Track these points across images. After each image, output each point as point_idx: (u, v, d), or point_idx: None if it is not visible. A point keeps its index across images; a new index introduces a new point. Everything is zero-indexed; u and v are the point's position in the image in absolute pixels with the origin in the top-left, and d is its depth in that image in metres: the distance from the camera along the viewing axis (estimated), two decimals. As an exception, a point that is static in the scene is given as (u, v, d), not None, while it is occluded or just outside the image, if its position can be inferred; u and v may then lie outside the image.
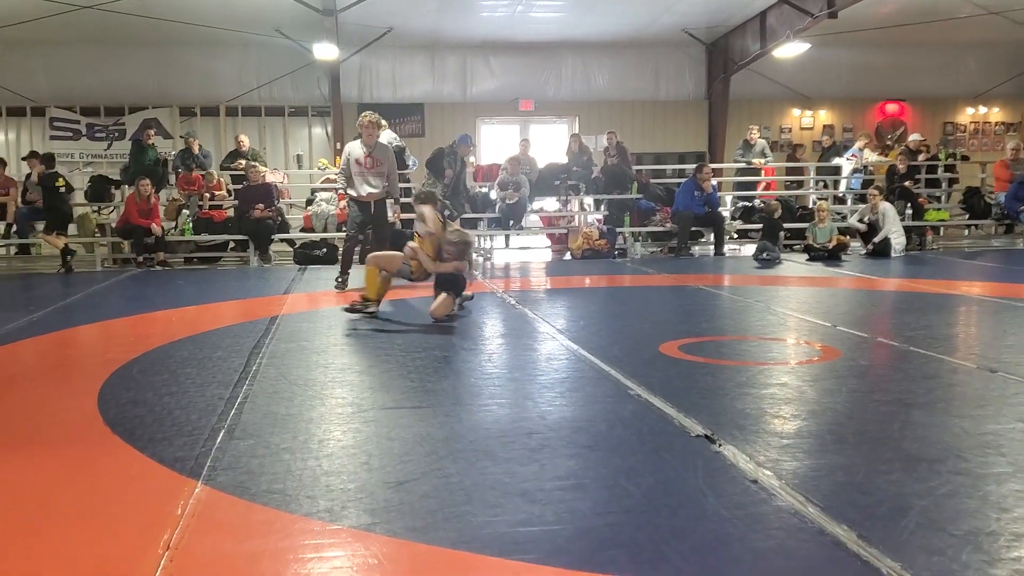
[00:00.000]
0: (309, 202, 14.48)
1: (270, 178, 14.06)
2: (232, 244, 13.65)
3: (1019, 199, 14.00)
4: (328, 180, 15.54)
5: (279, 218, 13.34)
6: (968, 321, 7.80)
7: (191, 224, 13.40)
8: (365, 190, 9.47)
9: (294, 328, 7.30)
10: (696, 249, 13.91)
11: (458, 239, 7.59)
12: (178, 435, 4.21)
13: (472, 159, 14.25)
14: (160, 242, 12.61)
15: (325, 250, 13.08)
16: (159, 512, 3.22)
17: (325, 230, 13.56)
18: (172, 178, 14.24)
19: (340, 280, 9.58)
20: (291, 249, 13.62)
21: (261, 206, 12.92)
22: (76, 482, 3.68)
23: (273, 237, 13.21)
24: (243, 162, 14.62)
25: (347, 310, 7.61)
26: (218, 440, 4.10)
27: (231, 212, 13.56)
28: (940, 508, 3.18)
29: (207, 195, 13.73)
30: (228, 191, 14.31)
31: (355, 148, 9.51)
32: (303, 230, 13.83)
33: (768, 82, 19.46)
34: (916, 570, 2.66)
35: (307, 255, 12.99)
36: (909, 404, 4.64)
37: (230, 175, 14.72)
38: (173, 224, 13.49)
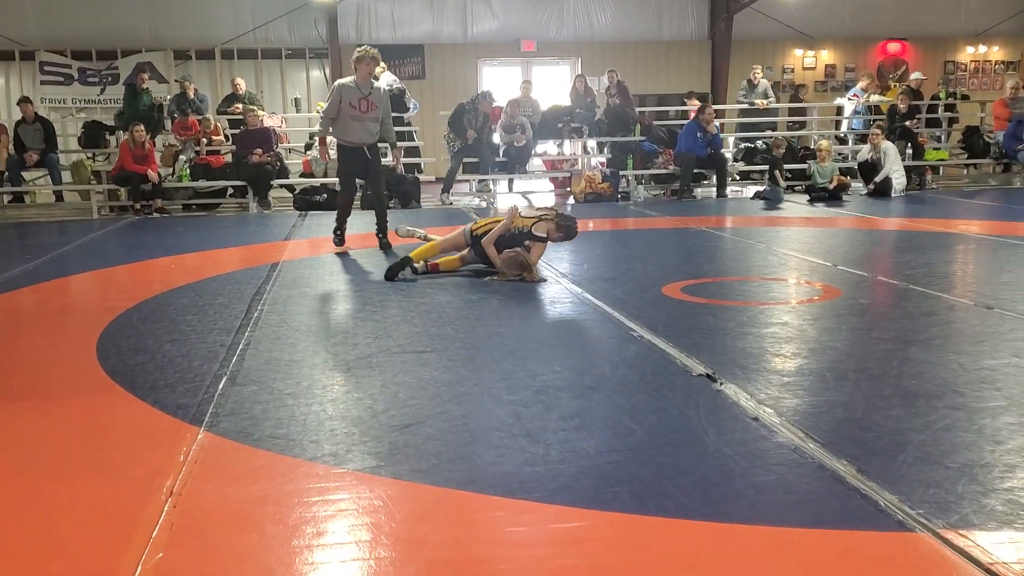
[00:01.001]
0: (308, 147, 14.37)
1: (268, 122, 13.92)
2: (230, 190, 13.58)
3: (1017, 138, 13.91)
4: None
5: (278, 163, 13.25)
6: (966, 259, 7.81)
7: (188, 170, 13.31)
8: (360, 137, 8.41)
9: (296, 274, 7.31)
10: (699, 191, 13.85)
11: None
12: (180, 382, 4.24)
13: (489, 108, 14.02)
14: (157, 189, 12.53)
15: (325, 196, 13.00)
16: (162, 459, 3.26)
17: (325, 175, 13.45)
18: (168, 123, 14.10)
19: (338, 235, 8.64)
20: (290, 195, 13.55)
21: (259, 151, 12.82)
22: (78, 431, 3.71)
23: (272, 183, 13.14)
24: (240, 106, 14.47)
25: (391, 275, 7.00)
26: (220, 387, 4.13)
27: (229, 158, 13.46)
28: (937, 442, 3.22)
29: (204, 140, 13.62)
30: (225, 136, 14.18)
31: (348, 89, 8.30)
32: (302, 175, 13.74)
33: (770, 21, 19.24)
34: (913, 502, 2.71)
35: (307, 201, 12.92)
36: (908, 341, 4.67)
37: (227, 120, 14.59)
38: (170, 170, 13.40)
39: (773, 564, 2.43)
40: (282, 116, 15.87)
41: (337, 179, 11.98)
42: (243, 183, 13.06)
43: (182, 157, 13.44)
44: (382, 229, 8.71)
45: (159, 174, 12.65)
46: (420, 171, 14.30)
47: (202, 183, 13.27)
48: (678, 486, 2.91)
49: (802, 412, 3.60)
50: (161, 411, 3.83)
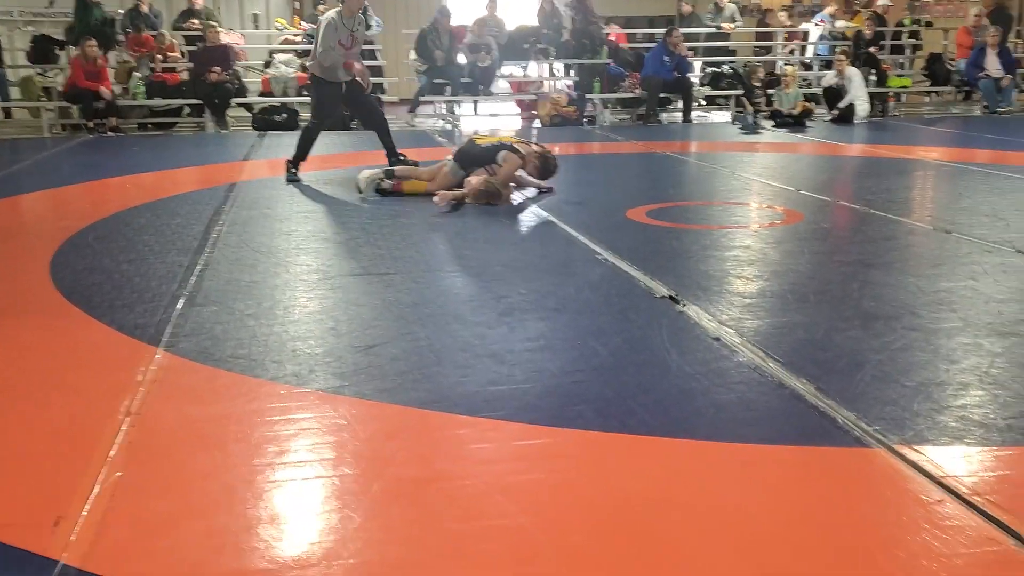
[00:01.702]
0: (267, 64, 14.05)
1: (226, 39, 13.56)
2: (187, 109, 13.27)
3: (978, 66, 13.93)
4: (287, 41, 15.06)
5: (236, 82, 12.95)
6: (925, 185, 7.88)
7: (143, 88, 12.96)
8: (345, 76, 7.96)
9: (255, 195, 7.20)
10: (665, 116, 13.77)
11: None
12: (137, 302, 4.18)
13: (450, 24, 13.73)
14: (111, 107, 12.19)
15: (285, 115, 12.77)
16: (119, 379, 3.22)
17: (285, 94, 13.22)
18: (121, 39, 13.68)
19: (293, 171, 7.92)
20: (249, 114, 13.29)
21: (218, 69, 12.51)
22: (32, 351, 3.64)
23: (230, 102, 12.85)
24: (197, 22, 14.07)
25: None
26: (179, 307, 4.08)
27: (185, 75, 13.12)
28: (894, 362, 3.27)
29: (159, 57, 13.25)
30: (182, 53, 13.80)
31: (339, 27, 7.73)
32: (261, 94, 13.46)
33: (738, -58, 18.95)
34: (870, 419, 2.76)
35: (266, 120, 12.67)
36: (868, 264, 4.72)
37: (183, 36, 14.19)
38: (124, 88, 13.04)
39: (733, 479, 2.46)
40: (240, 33, 15.46)
41: (296, 99, 11.68)
42: (200, 102, 12.76)
43: (137, 74, 13.06)
44: (391, 151, 8.27)
45: (112, 91, 12.30)
46: (383, 92, 14.05)
47: (158, 101, 12.93)
48: (641, 404, 2.93)
49: (763, 333, 3.64)
50: (118, 331, 3.77)
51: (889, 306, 3.97)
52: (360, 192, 7.03)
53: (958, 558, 2.03)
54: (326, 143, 9.66)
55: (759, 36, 17.02)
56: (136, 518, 2.27)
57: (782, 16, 16.44)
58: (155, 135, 12.54)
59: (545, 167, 6.79)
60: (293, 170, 7.94)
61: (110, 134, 12.07)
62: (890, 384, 3.05)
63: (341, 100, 8.22)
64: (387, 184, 7.02)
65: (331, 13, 7.90)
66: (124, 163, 9.37)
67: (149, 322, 3.86)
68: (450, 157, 7.06)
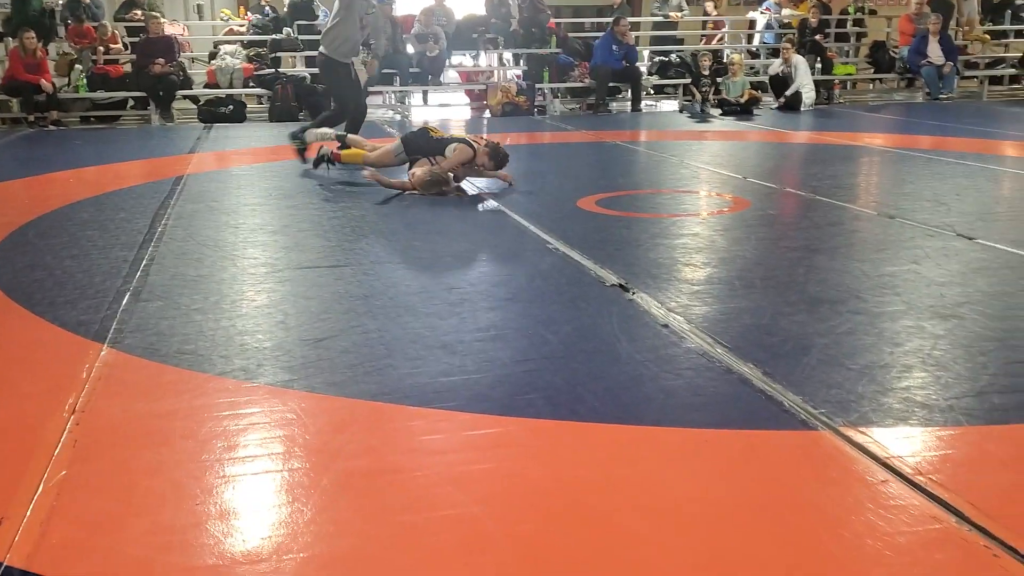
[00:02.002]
0: (212, 56, 13.85)
1: (170, 30, 13.34)
2: (131, 102, 13.05)
3: (920, 53, 14.18)
4: (232, 32, 14.86)
5: (181, 74, 12.75)
6: (870, 171, 8.00)
7: (85, 80, 12.71)
8: (354, 53, 7.92)
9: (201, 188, 7.10)
10: (614, 105, 13.83)
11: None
12: (81, 298, 4.10)
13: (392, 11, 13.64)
14: (52, 100, 11.94)
15: (232, 107, 12.61)
16: (63, 376, 3.16)
17: (231, 86, 13.04)
18: (61, 30, 13.39)
19: (329, 156, 7.42)
20: (195, 106, 13.10)
21: (161, 61, 12.30)
22: (-27, 348, 3.56)
23: (175, 94, 12.65)
24: (140, 12, 13.82)
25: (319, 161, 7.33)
26: (124, 302, 4.02)
27: (128, 67, 12.89)
28: (839, 345, 3.33)
29: (101, 49, 12.99)
30: (124, 45, 13.55)
31: (360, 5, 7.67)
32: (207, 86, 13.27)
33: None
34: (816, 402, 2.80)
35: (212, 112, 12.50)
36: (814, 250, 4.79)
37: (125, 27, 13.92)
38: (65, 80, 12.77)
39: (683, 463, 2.49)
40: (184, 24, 15.22)
41: (242, 90, 11.41)
42: (144, 94, 12.55)
43: (78, 67, 12.80)
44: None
45: (53, 84, 12.04)
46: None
47: (100, 94, 12.70)
48: (591, 391, 2.95)
49: (711, 319, 3.67)
50: (62, 328, 3.71)
51: (834, 290, 4.03)
52: (299, 143, 7.35)
53: (901, 536, 2.07)
54: (275, 135, 9.56)
55: (706, 25, 17.13)
56: (81, 517, 2.23)
57: (709, 6, 16.57)
58: (98, 128, 12.31)
59: (495, 156, 6.78)
60: (328, 155, 7.48)
61: (51, 128, 11.81)
62: (835, 367, 3.10)
63: (355, 79, 7.95)
64: (326, 151, 7.23)
65: None
66: (66, 157, 9.20)
67: (93, 318, 3.80)
68: (398, 137, 7.07)
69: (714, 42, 16.45)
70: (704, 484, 2.36)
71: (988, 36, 16.24)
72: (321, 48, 7.99)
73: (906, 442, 2.56)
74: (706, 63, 13.32)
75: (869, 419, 2.69)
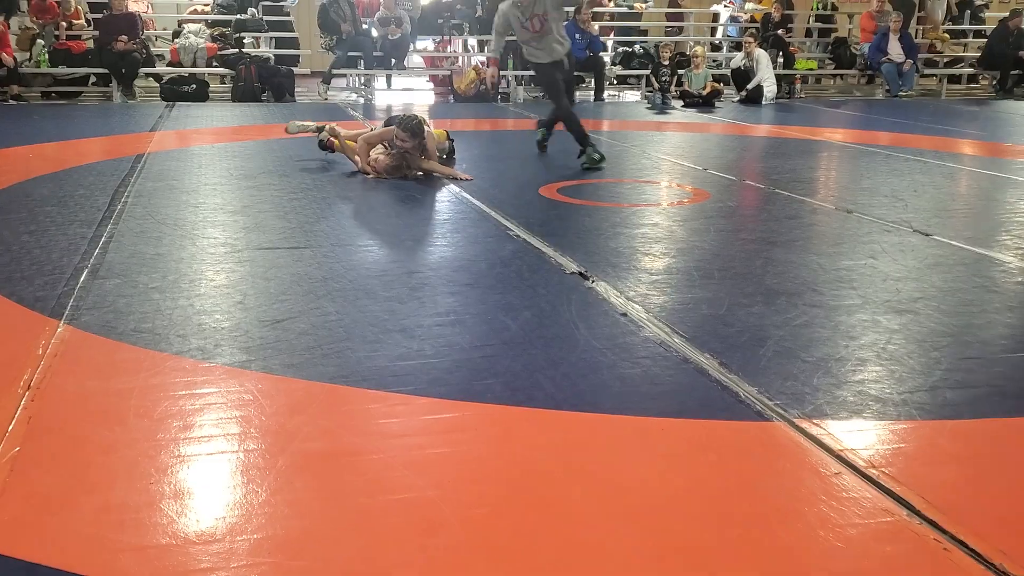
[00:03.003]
0: (176, 34, 13.66)
1: (133, 7, 13.14)
2: (93, 78, 12.85)
3: (881, 50, 14.36)
4: (196, 11, 14.67)
5: (144, 51, 12.57)
6: (829, 166, 8.10)
7: (47, 56, 12.49)
8: (562, 52, 7.49)
9: (162, 167, 7.01)
10: (577, 94, 13.82)
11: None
12: (38, 275, 4.05)
13: None
14: (13, 74, 11.73)
15: (194, 86, 12.46)
16: (18, 352, 3.13)
17: (194, 64, 12.88)
18: (24, 5, 13.14)
19: (592, 151, 7.38)
20: (157, 84, 12.92)
21: (124, 38, 12.12)
22: (-73, 322, 3.50)
23: (138, 71, 12.47)
24: (103, -12, 13.60)
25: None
26: (81, 279, 3.97)
27: (91, 44, 12.68)
28: (796, 337, 3.37)
29: (64, 24, 12.77)
30: (87, 20, 13.34)
31: (514, 15, 7.25)
32: (170, 64, 13.10)
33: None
34: (771, 393, 2.84)
35: (175, 91, 12.35)
36: (772, 243, 4.84)
37: (88, 3, 13.70)
38: (27, 55, 12.55)
39: (637, 451, 2.52)
40: (148, 1, 14.99)
41: (205, 69, 11.23)
42: (106, 71, 12.37)
43: (40, 42, 12.57)
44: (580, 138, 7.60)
45: (15, 59, 11.83)
46: (297, 63, 13.81)
47: (62, 70, 12.50)
48: (548, 378, 2.97)
49: (669, 308, 3.71)
50: (18, 304, 3.66)
51: (791, 283, 4.08)
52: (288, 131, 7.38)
53: (853, 528, 2.11)
54: (237, 114, 9.44)
55: (669, 17, 17.18)
56: (33, 494, 2.21)
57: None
58: (59, 104, 12.12)
59: (406, 126, 6.47)
60: (591, 151, 7.37)
61: (12, 102, 11.62)
62: (791, 359, 3.15)
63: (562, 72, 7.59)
64: (323, 136, 7.15)
65: (503, 6, 7.36)
66: (26, 132, 9.04)
67: (50, 295, 3.75)
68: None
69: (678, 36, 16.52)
70: (659, 472, 2.39)
71: (947, 36, 16.48)
72: (537, 59, 7.56)
73: (860, 435, 2.60)
74: (667, 54, 13.37)
75: (824, 411, 2.73)
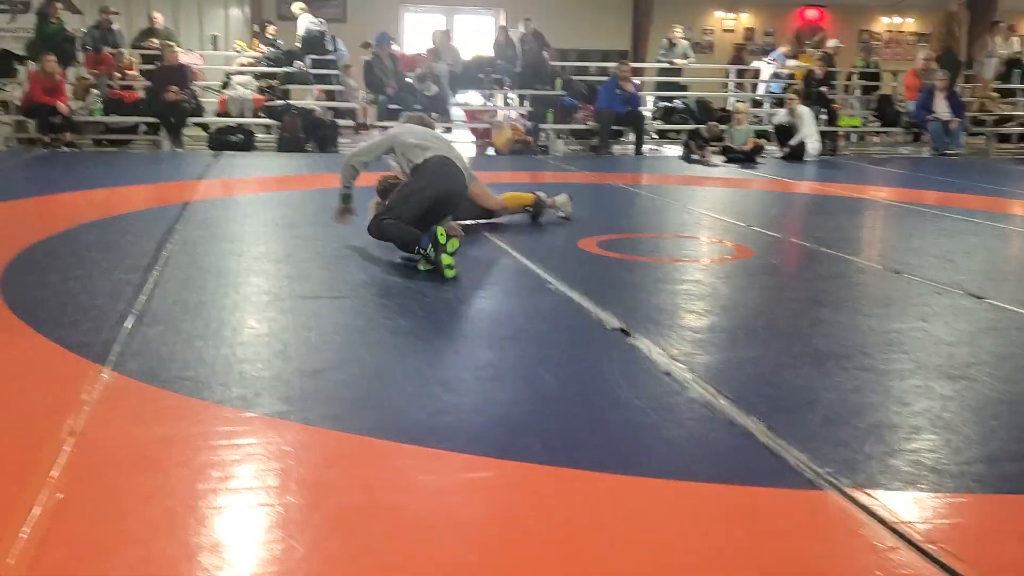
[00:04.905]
0: (225, 85, 13.96)
1: (184, 59, 13.47)
2: (143, 127, 13.13)
3: (927, 108, 14.28)
4: (244, 64, 14.98)
5: (193, 101, 12.84)
6: (875, 224, 8.01)
7: (100, 104, 12.81)
8: None
9: (207, 215, 7.10)
10: (617, 148, 13.90)
11: None
12: (84, 320, 4.08)
13: (396, 48, 13.84)
14: (67, 122, 12.04)
15: (241, 136, 12.69)
16: (62, 397, 3.13)
17: (241, 115, 13.14)
18: (80, 56, 13.53)
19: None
20: (205, 134, 13.18)
21: (175, 88, 12.39)
22: (-24, 365, 3.54)
23: (187, 121, 12.74)
24: (156, 41, 13.96)
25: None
26: (126, 326, 3.99)
27: (143, 93, 12.99)
28: (846, 402, 3.28)
29: (117, 75, 13.11)
30: (140, 72, 13.68)
31: None
32: (218, 114, 13.37)
33: (692, -19, 19.34)
34: (822, 460, 2.75)
35: (222, 140, 12.59)
36: (818, 302, 4.76)
37: (141, 55, 14.07)
38: (81, 104, 12.88)
39: (682, 517, 2.45)
40: (200, 53, 15.37)
41: (252, 120, 11.49)
42: (156, 120, 12.63)
43: (95, 91, 12.92)
44: None
45: (69, 107, 12.15)
46: (341, 116, 14.03)
47: (114, 118, 12.80)
48: (589, 438, 2.91)
49: (713, 368, 3.64)
50: (64, 348, 3.68)
51: (840, 345, 3.99)
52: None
53: (909, 605, 2.02)
54: (282, 164, 9.56)
55: (711, 73, 17.27)
56: (75, 543, 2.20)
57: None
58: (110, 152, 12.37)
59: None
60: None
61: (65, 149, 11.90)
62: (842, 425, 3.05)
63: None
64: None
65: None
66: (78, 179, 9.23)
67: (95, 340, 3.77)
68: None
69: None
70: (704, 540, 2.32)
71: (996, 94, 16.35)
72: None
73: (916, 507, 2.50)
74: (714, 127, 13.34)
75: (877, 481, 2.63)
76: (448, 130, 13.34)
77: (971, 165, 13.30)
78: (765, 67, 16.91)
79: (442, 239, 5.00)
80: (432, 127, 6.12)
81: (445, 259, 4.95)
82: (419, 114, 6.71)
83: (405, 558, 2.17)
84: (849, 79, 16.61)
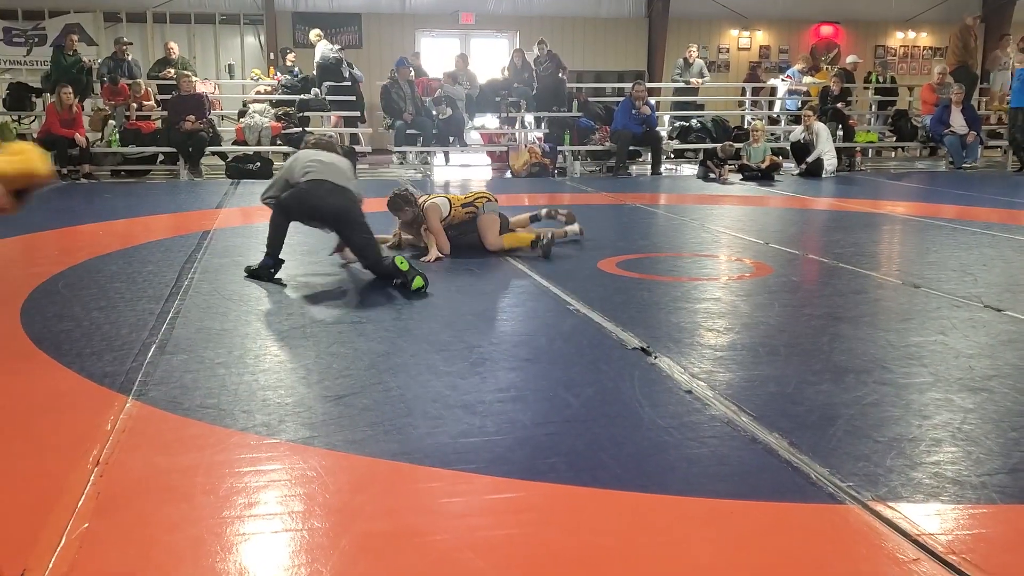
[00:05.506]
0: (241, 114, 14.09)
1: (201, 88, 13.61)
2: (161, 157, 13.27)
3: (943, 123, 14.25)
4: (261, 92, 15.12)
5: (210, 130, 12.97)
6: (893, 239, 7.98)
7: (118, 135, 12.96)
8: None
9: (227, 243, 7.16)
10: (634, 168, 13.93)
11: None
12: (107, 350, 4.13)
13: (412, 74, 13.94)
14: (85, 153, 12.18)
15: (259, 164, 12.79)
16: (88, 428, 3.17)
17: (259, 143, 13.25)
18: (97, 87, 13.70)
19: None
20: (223, 162, 13.29)
21: (192, 118, 12.53)
22: None
23: (205, 150, 12.86)
24: (172, 71, 14.12)
25: None
26: (149, 355, 4.04)
27: (159, 123, 13.13)
28: (866, 416, 3.28)
29: (134, 105, 13.26)
30: (156, 102, 13.83)
31: None
32: (235, 143, 13.48)
33: (707, 1, 19.39)
34: (843, 475, 2.75)
35: (240, 169, 12.69)
36: (838, 318, 4.75)
37: (157, 85, 14.23)
38: (99, 135, 13.03)
39: (706, 534, 2.45)
40: (216, 82, 15.52)
41: (269, 148, 11.54)
42: (174, 150, 12.76)
43: (112, 122, 13.06)
44: None
45: (87, 138, 12.29)
46: (359, 142, 14.14)
47: (132, 149, 12.94)
48: (613, 457, 2.92)
49: (735, 386, 3.64)
50: (88, 379, 3.73)
51: (860, 360, 3.99)
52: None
53: (932, 616, 2.02)
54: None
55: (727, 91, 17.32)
56: (104, 571, 2.22)
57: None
58: (128, 182, 12.49)
59: (391, 204, 6.60)
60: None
61: (83, 180, 12.03)
62: (863, 440, 3.06)
63: None
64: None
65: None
66: (97, 210, 9.33)
67: (119, 370, 3.82)
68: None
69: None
70: (728, 557, 2.32)
71: (1011, 107, 16.29)
72: None
73: (938, 519, 2.51)
74: (729, 146, 13.36)
75: (899, 494, 2.64)
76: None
77: (988, 178, 13.23)
78: (781, 84, 16.93)
79: (403, 266, 5.42)
80: (334, 149, 6.22)
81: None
82: (319, 138, 6.74)
83: (431, 581, 2.18)
84: (867, 88, 16.56)
